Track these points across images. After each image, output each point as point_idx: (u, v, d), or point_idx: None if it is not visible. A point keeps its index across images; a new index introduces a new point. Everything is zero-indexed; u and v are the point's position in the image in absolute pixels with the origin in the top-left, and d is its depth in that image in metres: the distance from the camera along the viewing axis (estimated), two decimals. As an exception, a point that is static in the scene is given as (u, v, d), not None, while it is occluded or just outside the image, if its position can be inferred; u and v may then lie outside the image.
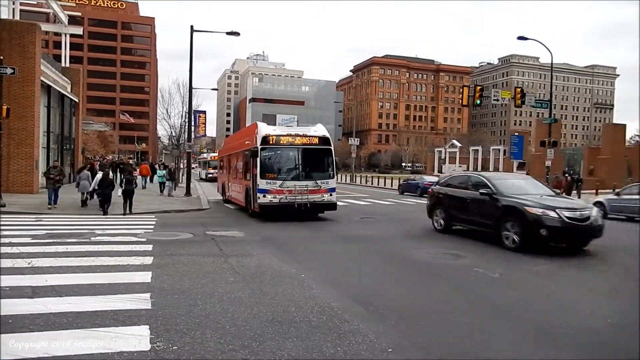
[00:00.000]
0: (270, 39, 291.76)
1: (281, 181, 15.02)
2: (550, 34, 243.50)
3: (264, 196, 14.96)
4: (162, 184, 25.14)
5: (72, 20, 41.53)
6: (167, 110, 42.32)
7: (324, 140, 16.02)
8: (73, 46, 47.00)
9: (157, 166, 34.66)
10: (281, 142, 15.37)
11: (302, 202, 15.08)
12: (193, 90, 26.87)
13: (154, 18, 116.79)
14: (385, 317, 5.60)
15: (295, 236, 12.32)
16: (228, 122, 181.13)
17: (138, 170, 31.39)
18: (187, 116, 31.20)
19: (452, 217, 12.83)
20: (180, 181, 28.49)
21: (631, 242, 12.41)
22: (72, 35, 37.08)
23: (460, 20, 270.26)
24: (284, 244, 10.96)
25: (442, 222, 13.14)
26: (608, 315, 5.93)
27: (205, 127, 47.86)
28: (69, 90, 31.40)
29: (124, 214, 16.27)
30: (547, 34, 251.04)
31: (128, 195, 16.79)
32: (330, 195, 15.80)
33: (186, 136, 30.61)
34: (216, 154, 52.56)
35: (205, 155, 56.42)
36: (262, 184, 14.91)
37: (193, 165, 64.92)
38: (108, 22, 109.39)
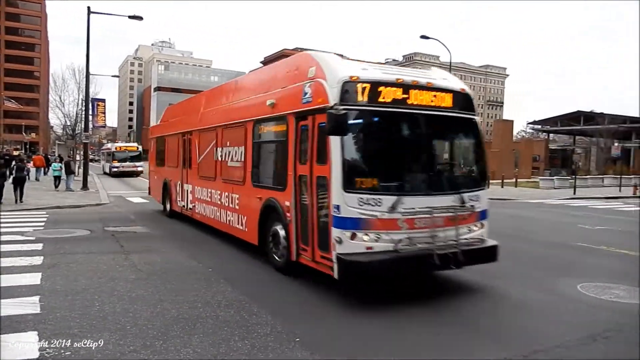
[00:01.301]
0: (177, 28, 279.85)
1: (398, 197, 6.05)
2: (450, 34, 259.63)
3: (354, 237, 5.87)
4: (57, 178, 23.12)
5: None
6: (60, 98, 39.18)
7: (464, 100, 7.19)
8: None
9: (51, 158, 32.27)
10: (390, 98, 6.34)
11: (447, 251, 6.08)
12: (91, 76, 24.98)
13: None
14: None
15: (200, 229, 11.96)
16: (131, 111, 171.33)
17: (32, 161, 29.96)
18: (83, 104, 28.98)
19: None
20: (77, 174, 26.37)
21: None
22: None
23: (369, 16, 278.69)
24: (191, 238, 10.60)
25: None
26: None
27: (105, 116, 44.49)
28: (-61, 71, 27.71)
29: (16, 202, 16.15)
30: (447, 34, 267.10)
31: (19, 183, 16.65)
32: (482, 225, 6.92)
33: (83, 126, 28.38)
34: (123, 144, 46.45)
35: (109, 145, 47.83)
36: (348, 202, 5.85)
37: (95, 158, 60.16)
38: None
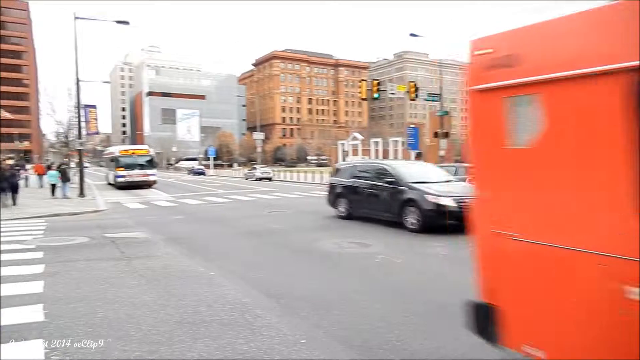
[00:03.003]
0: (165, 33, 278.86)
1: None
2: (440, 32, 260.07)
3: None
4: (54, 186, 22.99)
5: None
6: (51, 105, 38.98)
7: None
8: None
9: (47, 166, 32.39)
10: None
11: None
12: (81, 83, 24.92)
13: (27, 2, 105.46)
14: (298, 310, 5.65)
15: (203, 233, 11.98)
16: (124, 117, 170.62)
17: (33, 169, 32.44)
18: (75, 111, 28.87)
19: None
20: (72, 181, 26.29)
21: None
22: None
23: (358, 15, 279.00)
24: (191, 242, 10.61)
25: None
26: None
27: (97, 122, 44.27)
28: None
29: (13, 204, 18.64)
30: (437, 32, 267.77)
31: (13, 188, 19.05)
32: None
33: (76, 132, 28.27)
34: (130, 147, 38.57)
35: (112, 149, 38.68)
36: None
37: (87, 164, 58.91)
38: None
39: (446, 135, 30.92)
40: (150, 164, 31.76)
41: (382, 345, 4.56)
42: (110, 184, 34.39)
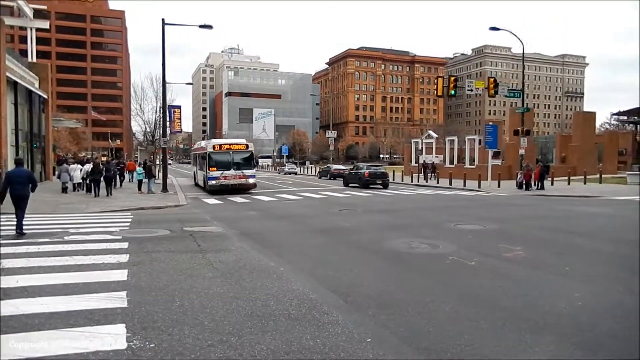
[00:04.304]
0: (244, 33, 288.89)
1: None
2: (521, 24, 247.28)
3: None
4: (140, 182, 24.79)
5: (38, 14, 40.26)
6: (140, 106, 41.70)
7: None
8: (40, 41, 45.72)
9: (137, 163, 34.94)
10: None
11: None
12: (167, 85, 26.44)
13: (123, 12, 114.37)
14: (365, 308, 5.63)
15: (274, 230, 12.28)
16: (204, 116, 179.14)
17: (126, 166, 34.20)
18: (161, 111, 30.71)
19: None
20: (157, 177, 28.04)
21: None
22: (38, 30, 36.01)
23: (435, 10, 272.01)
24: (263, 238, 10.91)
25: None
26: (579, 298, 6.06)
27: (180, 122, 46.92)
28: (36, 86, 30.53)
29: (107, 195, 21.65)
30: (518, 24, 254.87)
31: (108, 181, 22.28)
32: None
33: (161, 132, 30.10)
34: (224, 141, 28.37)
35: (203, 143, 30.86)
36: None
37: (169, 162, 62.53)
38: (76, 15, 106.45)
39: (527, 133, 29.34)
40: (249, 162, 25.49)
41: (449, 348, 4.42)
42: (198, 185, 29.90)
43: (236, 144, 25.70)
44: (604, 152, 42.31)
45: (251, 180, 24.88)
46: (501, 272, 7.48)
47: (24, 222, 11.01)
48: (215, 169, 24.32)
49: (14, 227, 10.84)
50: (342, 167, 46.19)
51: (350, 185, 30.72)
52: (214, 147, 25.04)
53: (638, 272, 7.43)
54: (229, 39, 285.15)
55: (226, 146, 25.20)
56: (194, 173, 32.91)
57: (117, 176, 27.13)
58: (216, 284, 6.62)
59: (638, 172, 29.99)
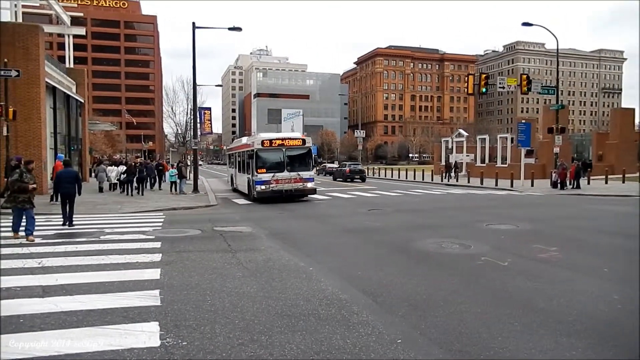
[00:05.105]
0: (273, 34, 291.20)
1: None
2: (555, 19, 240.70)
3: None
4: (173, 183, 24.92)
5: (75, 21, 41.68)
6: (172, 108, 42.69)
7: None
8: (77, 47, 47.16)
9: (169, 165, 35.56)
10: None
11: None
12: (197, 87, 26.88)
13: (155, 16, 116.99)
14: (395, 309, 5.58)
15: (303, 229, 12.32)
16: (233, 118, 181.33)
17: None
18: (192, 113, 31.26)
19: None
20: (188, 178, 28.55)
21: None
22: (75, 36, 37.18)
23: (464, 7, 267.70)
24: (292, 237, 10.96)
25: None
26: (618, 301, 5.85)
27: (211, 123, 47.63)
28: (74, 90, 31.53)
29: (140, 194, 22.88)
30: (552, 19, 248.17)
31: (140, 181, 23.60)
32: None
33: (192, 133, 30.65)
34: (276, 135, 22.30)
35: (245, 140, 25.81)
36: None
37: (200, 162, 62.90)
38: (111, 21, 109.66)
39: (562, 130, 28.52)
40: (307, 161, 20.73)
41: (482, 351, 4.33)
42: (238, 190, 25.37)
43: (290, 138, 21.04)
44: (644, 149, 40.70)
45: (309, 185, 20.37)
46: (535, 273, 7.29)
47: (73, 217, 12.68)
48: (264, 170, 19.77)
49: (60, 225, 12.03)
50: (335, 165, 52.75)
51: (337, 179, 38.70)
52: (262, 143, 20.16)
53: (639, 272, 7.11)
54: (257, 40, 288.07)
55: (278, 141, 20.38)
56: (231, 177, 28.42)
57: (157, 178, 27.78)
58: (246, 284, 6.68)
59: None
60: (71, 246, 9.53)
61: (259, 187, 19.67)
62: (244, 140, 26.01)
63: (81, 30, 38.65)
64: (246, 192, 22.21)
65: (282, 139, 20.64)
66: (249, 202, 20.39)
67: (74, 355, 4.22)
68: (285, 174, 19.83)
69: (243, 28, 24.88)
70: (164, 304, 5.68)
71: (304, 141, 20.96)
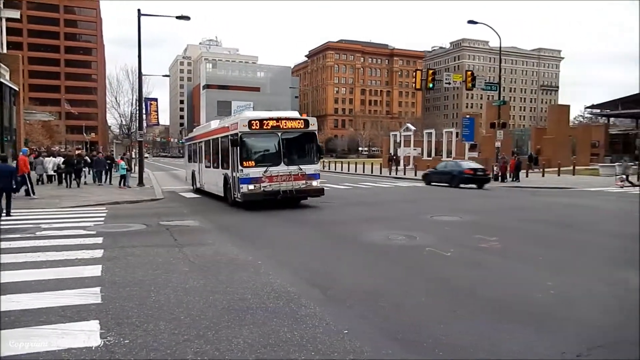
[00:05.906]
0: (223, 25, 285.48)
1: None
2: (499, 18, 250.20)
3: None
4: (122, 177, 23.71)
5: (9, 3, 39.08)
6: (116, 99, 40.94)
7: None
8: (10, 31, 44.25)
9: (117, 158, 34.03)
10: None
11: None
12: (143, 77, 25.94)
13: (98, 1, 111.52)
14: (342, 300, 5.65)
15: (251, 223, 12.21)
16: (182, 109, 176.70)
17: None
18: (137, 104, 30.19)
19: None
20: (133, 171, 27.60)
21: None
22: (8, 19, 34.87)
23: (414, 4, 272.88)
24: (241, 231, 10.85)
25: None
26: (551, 287, 6.20)
27: (157, 115, 46.06)
28: (7, 77, 29.61)
29: (77, 187, 22.40)
30: (496, 19, 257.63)
31: (77, 173, 23.05)
32: None
33: (137, 125, 29.59)
34: (268, 113, 15.84)
35: (223, 123, 17.68)
36: None
37: (146, 155, 60.73)
38: (49, 5, 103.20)
39: (503, 125, 29.78)
40: (311, 150, 15.71)
41: (426, 339, 4.46)
42: (202, 191, 20.26)
43: (289, 118, 15.19)
44: (577, 144, 43.32)
45: (315, 183, 15.18)
46: (476, 262, 7.60)
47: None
48: (252, 163, 14.53)
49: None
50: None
51: None
52: (250, 124, 14.57)
53: (610, 262, 7.63)
54: (207, 30, 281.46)
55: (272, 122, 14.83)
56: (192, 174, 22.39)
57: (107, 172, 25.94)
58: (193, 279, 6.54)
59: (610, 164, 30.77)
60: (3, 243, 8.98)
61: (245, 187, 14.34)
62: (216, 124, 19.12)
63: (15, 14, 36.27)
64: (220, 193, 16.84)
65: (277, 119, 14.93)
66: (197, 196, 19.95)
67: (5, 357, 3.99)
68: (283, 167, 14.65)
69: (192, 17, 24.20)
70: (105, 302, 5.47)
71: (306, 122, 15.46)
